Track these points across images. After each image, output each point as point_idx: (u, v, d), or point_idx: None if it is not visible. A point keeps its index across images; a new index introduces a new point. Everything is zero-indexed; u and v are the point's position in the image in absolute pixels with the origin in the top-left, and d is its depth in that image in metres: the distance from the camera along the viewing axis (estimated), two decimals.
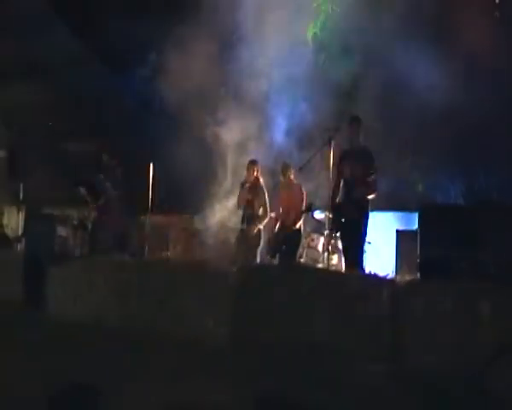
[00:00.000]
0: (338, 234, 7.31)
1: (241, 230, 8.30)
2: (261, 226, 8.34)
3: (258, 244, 8.28)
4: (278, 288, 5.41)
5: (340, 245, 7.72)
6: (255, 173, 8.36)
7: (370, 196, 6.74)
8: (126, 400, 3.93)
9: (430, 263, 5.10)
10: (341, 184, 6.92)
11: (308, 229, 8.86)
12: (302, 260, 8.44)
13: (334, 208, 6.99)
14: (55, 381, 4.22)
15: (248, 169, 8.39)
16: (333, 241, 7.83)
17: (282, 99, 9.46)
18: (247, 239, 8.21)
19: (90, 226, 9.10)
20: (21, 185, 11.11)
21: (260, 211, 8.32)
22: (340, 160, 6.95)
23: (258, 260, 8.11)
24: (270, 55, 9.27)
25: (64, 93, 11.36)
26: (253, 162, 8.44)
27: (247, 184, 8.36)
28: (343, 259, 7.51)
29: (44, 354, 5.10)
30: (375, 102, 8.49)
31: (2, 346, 5.30)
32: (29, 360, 4.92)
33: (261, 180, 8.41)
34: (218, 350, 5.06)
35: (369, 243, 7.67)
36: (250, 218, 8.26)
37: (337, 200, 6.94)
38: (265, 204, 8.34)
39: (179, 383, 4.26)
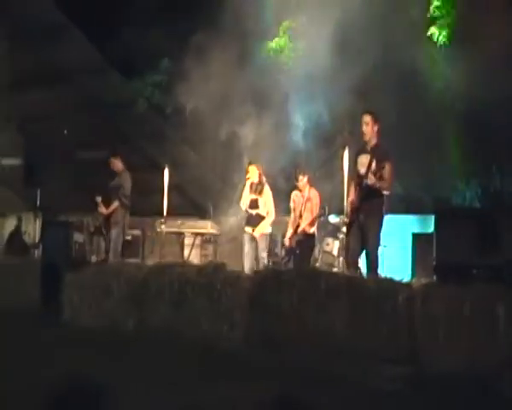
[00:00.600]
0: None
1: (247, 232, 8.26)
2: (267, 228, 8.29)
3: (266, 247, 8.25)
4: (294, 292, 5.40)
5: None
6: (259, 173, 8.32)
7: (385, 192, 6.53)
8: (142, 403, 3.93)
9: (446, 266, 5.06)
10: (356, 185, 6.77)
11: (323, 233, 8.84)
12: (317, 264, 8.43)
13: (350, 211, 6.83)
14: (70, 384, 4.24)
15: (251, 169, 8.35)
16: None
17: (299, 100, 9.41)
18: (253, 241, 8.19)
19: (105, 232, 9.14)
20: (38, 192, 11.20)
21: (265, 211, 8.27)
22: (355, 160, 6.77)
23: (265, 262, 8.07)
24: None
25: (79, 100, 11.47)
26: (254, 162, 8.39)
27: (251, 184, 8.31)
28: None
29: (60, 358, 5.13)
30: (390, 102, 8.41)
31: (21, 349, 5.34)
32: (45, 364, 4.95)
33: (265, 180, 8.37)
34: (233, 353, 5.05)
35: (385, 246, 7.62)
36: (255, 218, 8.22)
37: (352, 200, 6.77)
38: (270, 204, 8.30)
39: (196, 387, 4.26)
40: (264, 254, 8.17)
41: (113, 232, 8.79)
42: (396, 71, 8.87)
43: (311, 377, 4.39)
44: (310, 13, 9.44)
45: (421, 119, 9.17)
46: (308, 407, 3.58)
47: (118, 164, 9.10)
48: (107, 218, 8.89)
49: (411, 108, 8.87)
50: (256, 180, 8.30)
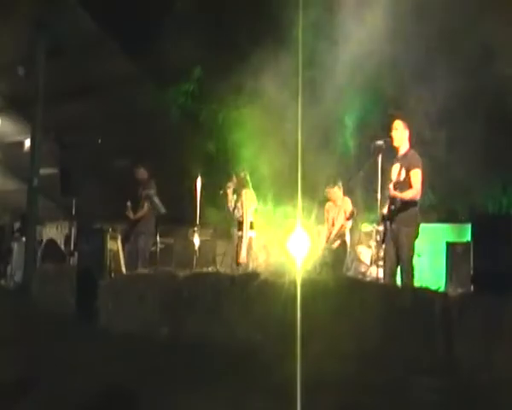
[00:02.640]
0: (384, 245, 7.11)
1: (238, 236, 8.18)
2: (250, 232, 8.16)
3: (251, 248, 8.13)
4: (327, 301, 5.35)
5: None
6: (241, 176, 8.26)
7: (411, 199, 6.36)
8: None
9: (484, 276, 4.94)
10: (389, 193, 6.68)
11: (356, 242, 8.76)
12: (349, 273, 8.35)
13: (382, 219, 6.75)
14: (107, 391, 4.27)
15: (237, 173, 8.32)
16: (381, 254, 7.70)
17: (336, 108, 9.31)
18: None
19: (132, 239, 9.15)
20: (74, 201, 11.36)
21: (246, 215, 8.14)
22: (390, 168, 6.64)
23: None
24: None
25: (113, 110, 11.62)
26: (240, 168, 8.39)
27: (230, 187, 8.28)
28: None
29: (96, 365, 5.17)
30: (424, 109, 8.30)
31: (57, 355, 5.40)
32: (82, 371, 5.00)
33: (249, 183, 8.26)
34: (267, 364, 5.02)
35: (419, 255, 7.50)
36: (240, 223, 8.15)
37: (385, 210, 6.70)
38: (246, 208, 8.12)
39: (230, 397, 4.24)
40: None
41: (141, 240, 8.85)
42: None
43: (348, 388, 4.33)
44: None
45: (455, 124, 8.98)
46: None
47: (142, 173, 9.16)
48: (134, 224, 8.96)
49: (447, 113, 8.70)
50: (238, 183, 8.23)
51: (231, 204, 8.29)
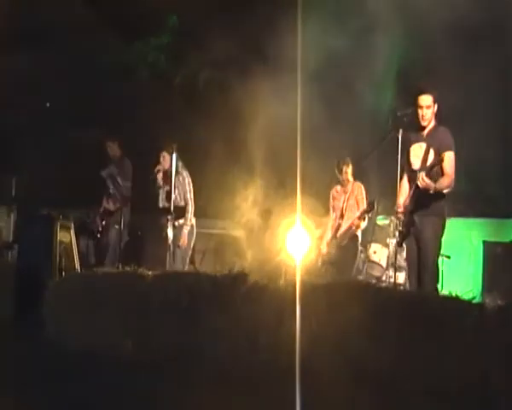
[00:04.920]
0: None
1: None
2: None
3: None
4: (332, 311, 5.36)
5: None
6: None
7: (445, 189, 6.49)
8: None
9: None
10: (410, 179, 6.71)
11: (369, 238, 8.79)
12: (361, 276, 8.40)
13: (401, 211, 6.78)
14: None
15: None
16: (400, 254, 7.75)
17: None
18: None
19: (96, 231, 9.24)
20: (13, 180, 11.29)
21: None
22: (409, 147, 6.70)
23: None
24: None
25: (65, 66, 11.53)
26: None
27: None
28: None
29: (40, 383, 5.17)
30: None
31: None
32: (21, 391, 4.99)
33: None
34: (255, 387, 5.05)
35: (449, 257, 7.56)
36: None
37: (405, 200, 6.73)
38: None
39: None
40: None
41: (113, 232, 8.90)
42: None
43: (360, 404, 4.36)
44: None
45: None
46: None
47: (115, 149, 9.16)
48: (108, 215, 9.02)
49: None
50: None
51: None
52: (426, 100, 6.57)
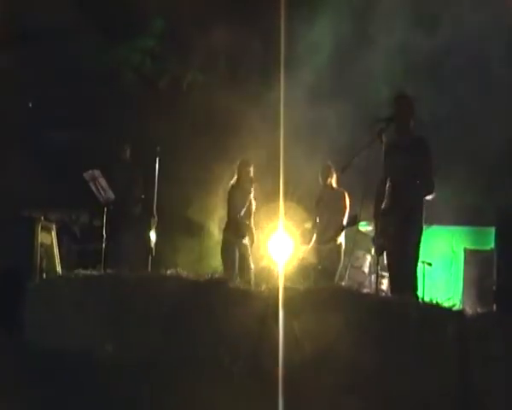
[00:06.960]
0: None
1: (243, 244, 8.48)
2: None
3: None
4: (313, 316, 5.37)
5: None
6: (251, 174, 8.50)
7: (425, 196, 6.50)
8: None
9: (510, 292, 5.02)
10: (388, 186, 6.74)
11: (352, 245, 8.81)
12: (343, 282, 8.41)
13: (378, 218, 6.79)
14: None
15: (242, 169, 8.50)
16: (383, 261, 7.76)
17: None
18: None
19: (78, 233, 9.21)
20: None
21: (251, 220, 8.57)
22: (386, 155, 6.66)
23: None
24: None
25: (48, 67, 11.48)
26: (247, 161, 8.56)
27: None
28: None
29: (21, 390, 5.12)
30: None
31: None
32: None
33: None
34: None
35: (430, 264, 7.59)
36: (248, 229, 8.47)
37: (382, 206, 6.74)
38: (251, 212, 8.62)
39: None
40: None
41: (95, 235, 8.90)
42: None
43: None
44: None
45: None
46: None
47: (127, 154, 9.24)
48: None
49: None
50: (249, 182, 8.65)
51: None
52: (401, 106, 6.61)
